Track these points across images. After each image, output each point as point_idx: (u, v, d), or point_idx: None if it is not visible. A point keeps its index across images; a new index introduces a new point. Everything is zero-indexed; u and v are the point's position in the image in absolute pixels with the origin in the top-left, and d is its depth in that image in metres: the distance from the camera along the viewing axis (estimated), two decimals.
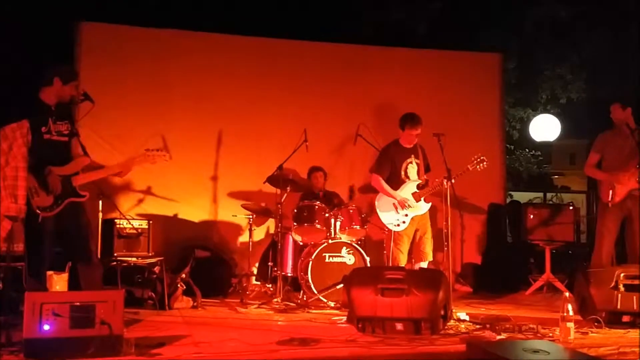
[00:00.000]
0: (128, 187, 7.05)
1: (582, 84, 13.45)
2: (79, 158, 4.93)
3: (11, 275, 4.56)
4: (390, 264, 6.14)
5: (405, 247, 6.16)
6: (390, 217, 6.16)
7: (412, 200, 6.13)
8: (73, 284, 4.79)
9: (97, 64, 6.98)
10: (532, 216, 7.44)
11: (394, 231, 6.13)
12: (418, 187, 6.17)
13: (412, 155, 6.27)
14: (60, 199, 4.73)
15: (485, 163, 5.93)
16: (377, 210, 6.24)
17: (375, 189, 6.35)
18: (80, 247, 4.89)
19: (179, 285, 5.84)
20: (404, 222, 6.12)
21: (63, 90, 4.82)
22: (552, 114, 12.83)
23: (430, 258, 6.26)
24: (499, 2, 12.07)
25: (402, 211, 6.12)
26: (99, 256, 5.64)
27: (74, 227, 4.85)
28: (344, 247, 6.22)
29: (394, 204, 6.14)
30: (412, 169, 6.25)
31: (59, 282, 4.58)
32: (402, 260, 6.12)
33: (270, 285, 6.60)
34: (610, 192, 5.99)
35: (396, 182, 6.23)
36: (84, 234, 4.95)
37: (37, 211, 4.62)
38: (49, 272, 4.60)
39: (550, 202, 10.47)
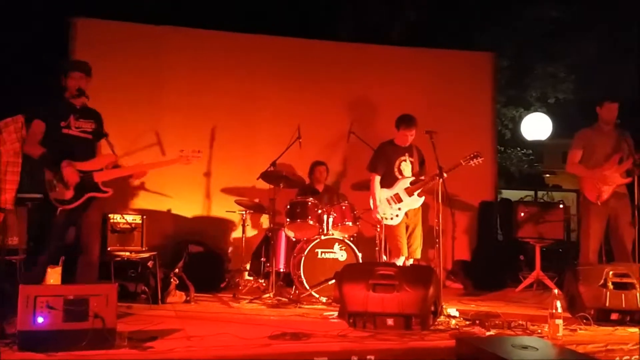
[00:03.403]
0: (122, 181, 7.04)
1: (570, 85, 13.51)
2: (103, 155, 4.99)
3: (6, 269, 4.58)
4: (391, 256, 6.20)
5: (403, 237, 6.22)
6: (384, 211, 6.22)
7: (405, 194, 6.19)
8: (68, 278, 4.82)
9: (91, 60, 6.83)
10: (522, 214, 7.47)
11: (391, 226, 6.19)
12: (411, 183, 6.23)
13: (407, 154, 6.33)
14: (80, 193, 4.75)
15: (480, 159, 5.95)
16: (371, 204, 6.30)
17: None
18: (87, 243, 4.85)
19: (172, 280, 5.87)
20: (397, 215, 6.20)
21: (67, 83, 4.90)
22: (543, 112, 12.90)
23: (417, 256, 6.28)
24: (492, 2, 12.11)
25: (395, 205, 6.19)
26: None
27: (85, 223, 4.85)
28: (337, 243, 6.25)
29: (386, 198, 6.21)
30: (406, 167, 6.31)
31: (52, 275, 4.62)
32: (404, 250, 6.17)
33: (262, 281, 6.64)
34: (597, 190, 6.04)
35: (390, 179, 6.30)
36: (94, 231, 4.93)
37: (56, 204, 4.66)
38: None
39: (541, 200, 10.50)
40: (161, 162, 5.57)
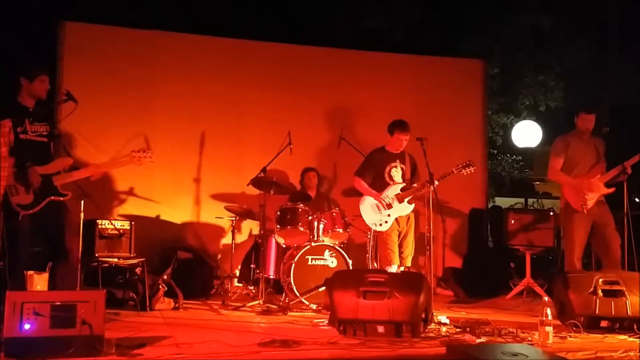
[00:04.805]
0: (110, 187, 7.02)
1: (560, 93, 13.57)
2: (60, 158, 4.96)
3: None
4: (381, 264, 6.19)
5: (395, 246, 6.20)
6: (373, 217, 6.23)
7: (395, 201, 6.18)
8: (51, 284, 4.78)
9: (80, 64, 6.96)
10: (513, 221, 7.49)
11: (382, 232, 6.19)
12: (402, 189, 6.23)
13: (398, 160, 6.34)
14: (40, 198, 4.72)
15: (472, 168, 5.98)
16: (361, 211, 6.30)
17: (359, 191, 6.40)
18: (58, 247, 4.88)
19: (160, 287, 5.83)
20: (386, 222, 6.19)
21: (33, 88, 4.83)
22: (534, 120, 12.95)
23: (408, 264, 6.28)
24: (482, 10, 12.15)
25: (384, 211, 6.18)
26: (79, 257, 5.62)
27: (52, 227, 4.85)
28: (327, 250, 6.23)
29: (376, 204, 6.20)
30: (397, 173, 6.31)
31: (39, 281, 4.55)
32: (395, 259, 6.15)
33: (252, 287, 6.60)
34: (582, 199, 6.04)
35: (380, 184, 6.30)
36: (62, 234, 4.94)
37: (17, 209, 4.61)
38: (29, 272, 4.56)
39: (531, 208, 10.54)
40: (115, 162, 5.59)
